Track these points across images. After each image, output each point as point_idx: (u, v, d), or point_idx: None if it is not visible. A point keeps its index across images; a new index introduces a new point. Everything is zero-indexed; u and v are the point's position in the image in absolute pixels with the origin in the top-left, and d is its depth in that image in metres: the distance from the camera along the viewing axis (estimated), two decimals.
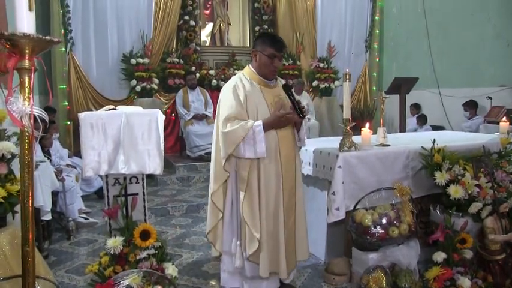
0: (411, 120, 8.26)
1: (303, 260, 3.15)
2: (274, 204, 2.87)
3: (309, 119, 7.70)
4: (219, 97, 2.96)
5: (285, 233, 2.90)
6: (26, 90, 1.22)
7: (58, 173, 4.58)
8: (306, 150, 3.65)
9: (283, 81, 3.12)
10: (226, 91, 2.90)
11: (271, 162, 2.84)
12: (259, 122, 2.75)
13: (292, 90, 2.88)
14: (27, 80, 1.22)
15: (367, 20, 9.88)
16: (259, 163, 2.83)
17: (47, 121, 1.43)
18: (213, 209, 3.01)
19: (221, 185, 2.93)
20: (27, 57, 1.22)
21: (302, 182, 3.13)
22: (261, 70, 2.92)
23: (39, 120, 1.30)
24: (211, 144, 3.00)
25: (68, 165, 5.41)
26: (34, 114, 1.23)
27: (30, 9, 1.18)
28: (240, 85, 2.88)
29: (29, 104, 1.21)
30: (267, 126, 2.76)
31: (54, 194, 4.50)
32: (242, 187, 2.86)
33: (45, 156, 4.56)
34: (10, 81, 1.17)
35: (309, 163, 3.65)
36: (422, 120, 8.05)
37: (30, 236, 1.22)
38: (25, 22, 1.20)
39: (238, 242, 2.93)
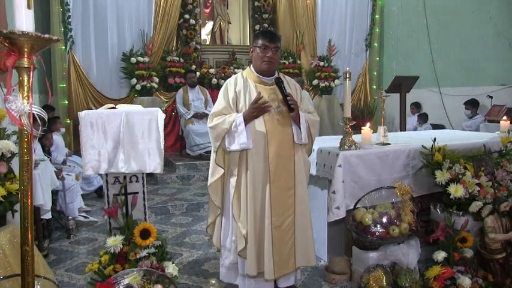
0: (411, 119, 8.26)
1: (307, 266, 3.10)
2: (261, 202, 2.85)
3: None
4: None
5: (273, 234, 2.84)
6: (25, 88, 1.21)
7: (58, 172, 4.58)
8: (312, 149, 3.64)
9: (288, 77, 3.12)
10: (221, 89, 2.97)
11: (259, 159, 2.83)
12: (240, 114, 2.79)
13: (283, 84, 2.89)
14: (26, 78, 1.21)
15: (368, 18, 9.87)
16: (247, 159, 2.83)
17: (46, 120, 1.43)
18: (213, 205, 3.05)
19: (217, 179, 2.95)
20: (26, 56, 1.21)
21: (307, 183, 3.06)
22: (256, 63, 2.94)
23: (38, 119, 1.30)
24: (211, 142, 3.01)
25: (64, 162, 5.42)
26: (33, 113, 1.23)
27: (29, 7, 1.18)
28: (233, 83, 2.93)
29: (28, 103, 1.20)
30: (247, 117, 2.78)
31: (54, 193, 4.49)
32: (232, 182, 2.88)
33: (45, 155, 4.56)
34: (9, 80, 1.17)
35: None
36: (423, 118, 8.05)
37: (30, 235, 1.21)
38: (24, 20, 1.19)
39: (233, 238, 2.94)
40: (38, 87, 6.44)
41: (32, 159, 1.22)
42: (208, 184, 3.02)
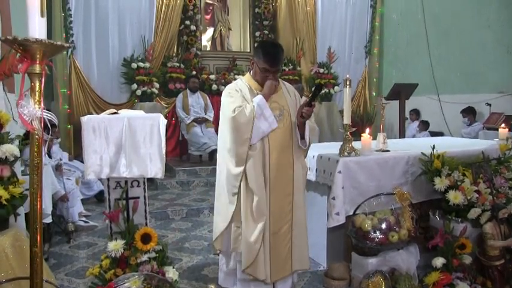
0: (411, 126, 8.29)
1: (302, 269, 3.11)
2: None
3: None
4: (221, 105, 2.98)
5: (271, 239, 2.86)
6: (37, 94, 1.24)
7: (59, 168, 4.61)
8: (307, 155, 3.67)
9: (287, 84, 3.14)
10: (224, 96, 2.94)
11: (260, 166, 2.83)
12: (259, 95, 2.81)
13: (319, 92, 2.91)
14: (37, 84, 1.25)
15: (367, 25, 9.95)
16: (246, 166, 2.82)
17: (57, 124, 1.46)
18: (225, 213, 2.97)
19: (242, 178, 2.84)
20: (38, 62, 1.24)
21: (304, 189, 3.08)
22: (257, 77, 2.94)
23: (48, 124, 1.33)
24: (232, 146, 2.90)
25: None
26: (44, 118, 1.26)
27: (42, 15, 1.21)
28: (237, 89, 2.92)
29: (39, 108, 1.23)
30: (264, 94, 2.82)
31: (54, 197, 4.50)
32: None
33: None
34: (22, 85, 1.20)
35: (309, 168, 3.67)
36: (425, 125, 8.08)
37: (39, 237, 1.24)
38: (37, 28, 1.23)
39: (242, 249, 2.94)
40: None
41: (42, 162, 1.24)
42: (233, 192, 2.89)
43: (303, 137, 2.95)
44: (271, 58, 2.84)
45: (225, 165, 2.92)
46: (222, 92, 3.06)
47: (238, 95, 2.88)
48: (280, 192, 2.89)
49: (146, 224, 2.90)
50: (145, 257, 2.64)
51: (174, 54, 8.38)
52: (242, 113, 2.74)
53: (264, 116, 2.78)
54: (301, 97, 6.86)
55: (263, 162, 2.84)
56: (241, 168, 2.81)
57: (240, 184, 2.83)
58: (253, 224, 2.82)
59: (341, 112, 7.24)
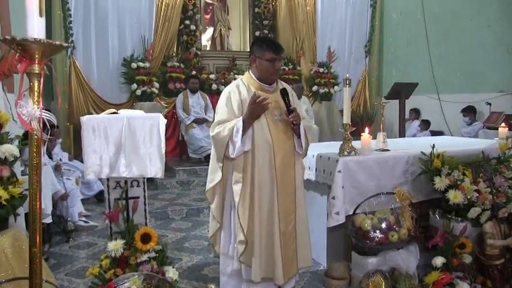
0: (411, 126, 8.29)
1: (305, 267, 3.11)
2: (268, 209, 2.86)
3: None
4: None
5: (281, 239, 2.87)
6: (36, 94, 1.24)
7: (58, 168, 4.61)
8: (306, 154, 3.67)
9: (285, 84, 3.13)
10: (221, 97, 2.94)
11: (265, 166, 2.84)
12: (240, 118, 2.77)
13: (289, 96, 2.88)
14: (36, 84, 1.25)
15: (367, 25, 9.93)
16: (253, 167, 2.84)
17: (56, 124, 1.46)
18: (212, 217, 3.07)
19: (215, 185, 2.94)
20: (37, 62, 1.24)
21: (304, 188, 3.09)
22: (263, 75, 2.92)
23: (47, 124, 1.33)
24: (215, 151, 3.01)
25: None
26: (43, 118, 1.26)
27: (41, 15, 1.21)
28: (236, 91, 2.90)
29: (38, 108, 1.23)
30: (247, 118, 2.76)
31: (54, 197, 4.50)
32: (236, 190, 2.88)
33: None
34: (21, 85, 1.20)
35: (309, 168, 3.67)
36: (425, 125, 8.07)
37: (38, 237, 1.24)
38: (36, 27, 1.23)
39: (235, 245, 2.95)
40: None
41: (41, 162, 1.24)
42: (206, 189, 3.03)
43: (299, 137, 2.95)
44: (275, 45, 2.92)
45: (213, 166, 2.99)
46: (221, 91, 3.05)
47: (236, 99, 2.87)
48: (285, 192, 2.91)
49: (146, 224, 2.90)
50: (145, 257, 2.65)
51: (174, 54, 8.37)
52: (218, 135, 2.79)
53: (237, 140, 2.75)
54: (300, 98, 6.76)
55: (269, 163, 2.85)
56: (220, 173, 2.91)
57: (218, 186, 2.95)
58: (257, 224, 2.84)
59: (341, 112, 7.22)
